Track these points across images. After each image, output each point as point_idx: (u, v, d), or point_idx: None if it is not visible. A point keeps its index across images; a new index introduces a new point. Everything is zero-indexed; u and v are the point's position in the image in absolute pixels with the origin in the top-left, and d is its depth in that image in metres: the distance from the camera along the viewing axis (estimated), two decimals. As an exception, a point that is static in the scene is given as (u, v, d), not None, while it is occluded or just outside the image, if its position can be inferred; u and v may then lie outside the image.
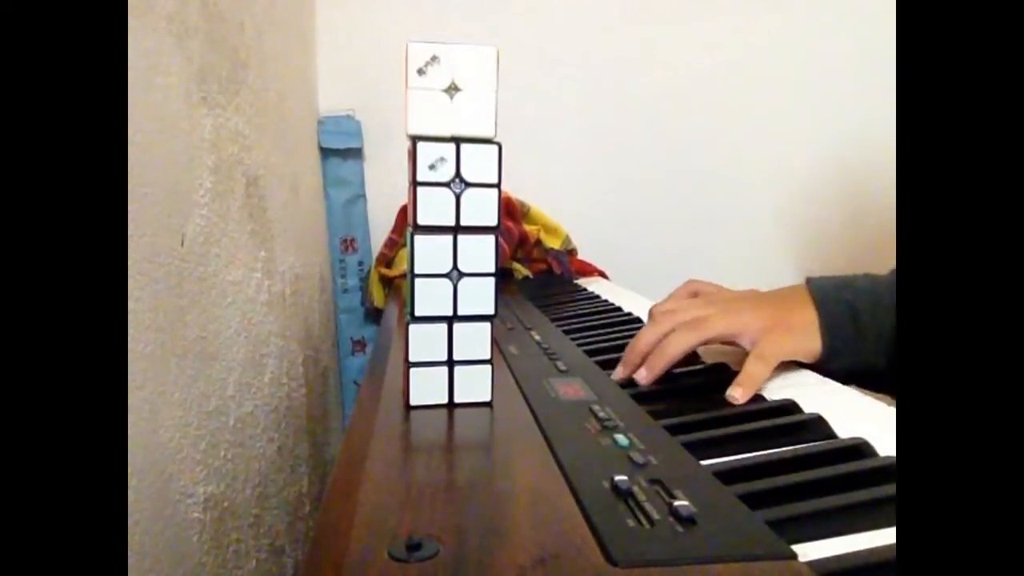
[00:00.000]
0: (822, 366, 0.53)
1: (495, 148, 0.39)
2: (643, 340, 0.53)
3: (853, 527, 0.29)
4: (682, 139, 1.29)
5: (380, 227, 1.18)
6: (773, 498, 0.31)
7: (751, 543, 0.26)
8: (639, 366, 0.51)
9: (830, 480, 0.33)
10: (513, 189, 1.09)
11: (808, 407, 0.43)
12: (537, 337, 0.61)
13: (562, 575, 0.24)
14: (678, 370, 0.53)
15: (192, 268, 0.57)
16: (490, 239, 0.40)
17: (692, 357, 0.56)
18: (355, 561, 0.24)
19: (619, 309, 0.80)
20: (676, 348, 0.51)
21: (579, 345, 0.60)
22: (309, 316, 1.01)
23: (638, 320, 0.73)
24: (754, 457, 0.37)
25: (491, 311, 0.41)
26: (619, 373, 0.52)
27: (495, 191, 0.40)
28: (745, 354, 0.51)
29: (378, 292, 1.13)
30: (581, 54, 1.25)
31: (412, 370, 0.41)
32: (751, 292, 0.59)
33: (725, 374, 0.51)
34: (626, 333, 0.68)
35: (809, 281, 0.56)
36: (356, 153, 1.19)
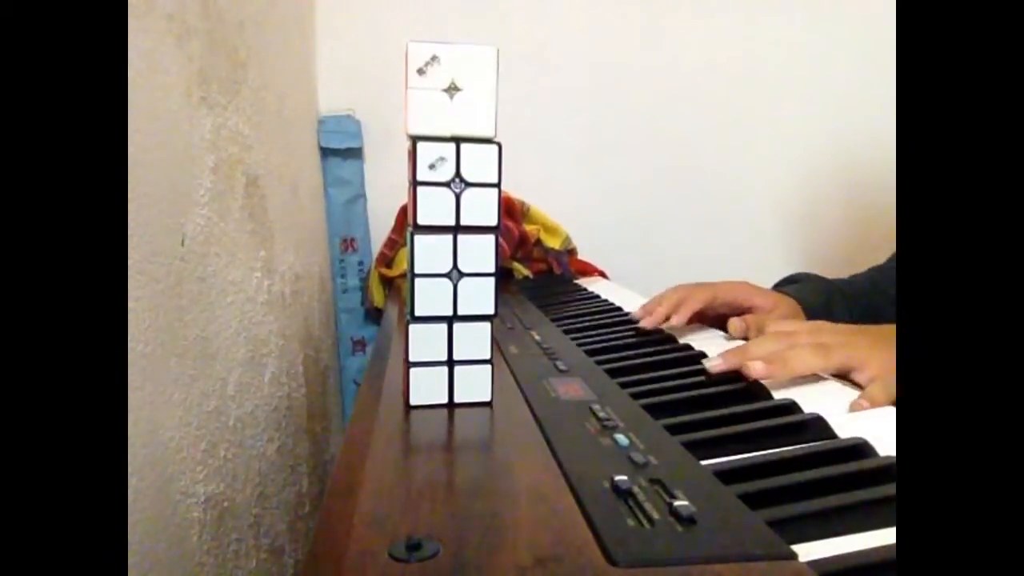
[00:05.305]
0: None
1: (495, 148, 0.39)
2: (761, 349, 0.51)
3: (853, 527, 0.29)
4: (682, 139, 1.29)
5: (380, 227, 1.19)
6: (773, 498, 0.31)
7: (751, 543, 0.26)
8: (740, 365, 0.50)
9: (830, 480, 0.33)
10: (513, 189, 1.09)
11: (808, 407, 0.43)
12: (537, 337, 0.61)
13: (562, 575, 0.24)
14: (683, 369, 0.53)
15: (192, 268, 0.57)
16: (490, 239, 0.40)
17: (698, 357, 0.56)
18: (355, 561, 0.24)
19: (619, 309, 0.80)
20: (801, 365, 0.49)
21: (579, 345, 0.60)
22: (309, 316, 1.01)
23: (638, 320, 0.72)
24: (754, 457, 0.37)
25: (491, 311, 0.41)
26: (718, 365, 0.50)
27: (495, 191, 0.40)
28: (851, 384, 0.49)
29: (378, 292, 1.13)
30: (581, 54, 1.26)
31: (412, 370, 0.41)
32: (865, 327, 0.57)
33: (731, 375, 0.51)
34: (626, 333, 0.68)
35: None
36: (356, 153, 1.19)
